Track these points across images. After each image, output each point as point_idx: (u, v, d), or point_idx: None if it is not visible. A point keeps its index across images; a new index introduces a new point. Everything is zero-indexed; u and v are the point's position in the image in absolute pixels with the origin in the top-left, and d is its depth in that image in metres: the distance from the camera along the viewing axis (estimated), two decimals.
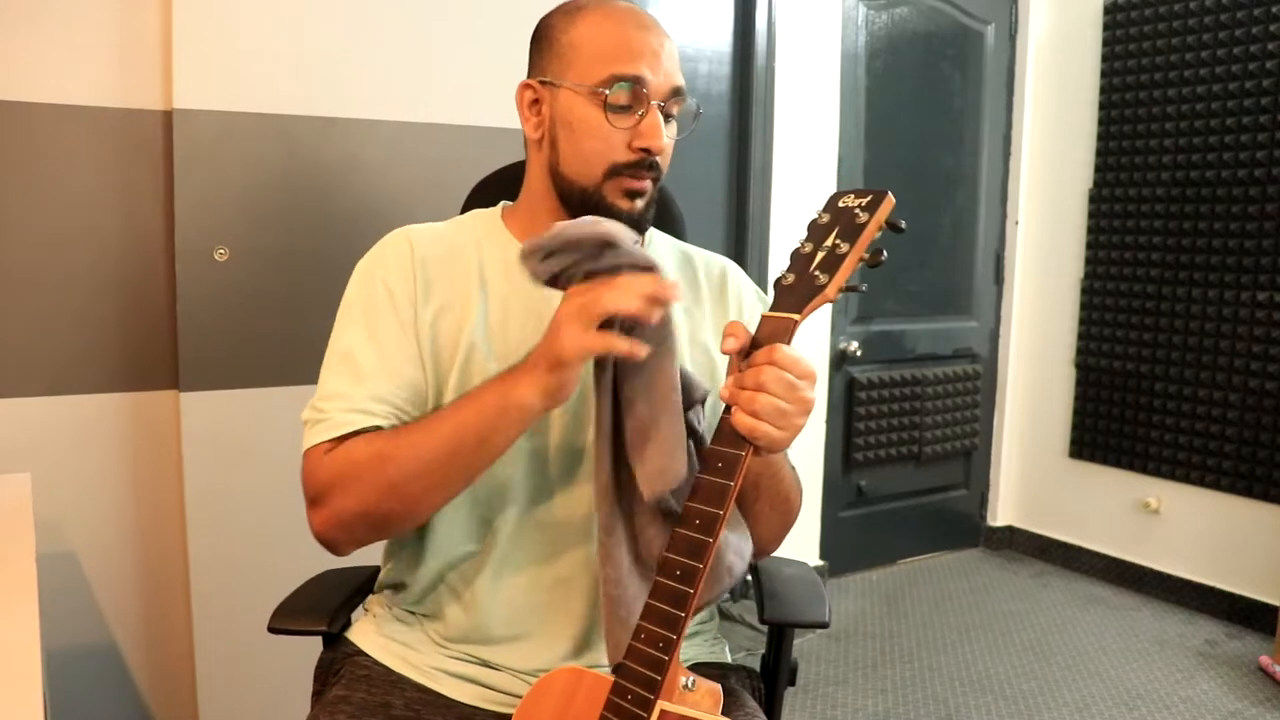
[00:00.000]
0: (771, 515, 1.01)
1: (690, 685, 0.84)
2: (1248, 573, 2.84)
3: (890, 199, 0.85)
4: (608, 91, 0.96)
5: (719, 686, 0.85)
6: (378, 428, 0.95)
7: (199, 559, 1.76)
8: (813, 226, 0.88)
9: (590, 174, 0.99)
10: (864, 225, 0.84)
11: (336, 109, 1.79)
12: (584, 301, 0.84)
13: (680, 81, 1.00)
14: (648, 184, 1.00)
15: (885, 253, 0.86)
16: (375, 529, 0.97)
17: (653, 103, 0.97)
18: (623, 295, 0.82)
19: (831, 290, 0.83)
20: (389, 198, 1.85)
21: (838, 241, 0.85)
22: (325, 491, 0.94)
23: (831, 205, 0.88)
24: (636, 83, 0.96)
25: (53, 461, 1.68)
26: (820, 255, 0.85)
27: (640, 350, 0.84)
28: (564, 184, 1.01)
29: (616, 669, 0.83)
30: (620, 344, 0.84)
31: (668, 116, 1.00)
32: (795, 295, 0.84)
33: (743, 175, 2.79)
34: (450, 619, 1.05)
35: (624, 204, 0.99)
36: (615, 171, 0.98)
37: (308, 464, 0.96)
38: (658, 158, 0.99)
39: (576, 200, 1.00)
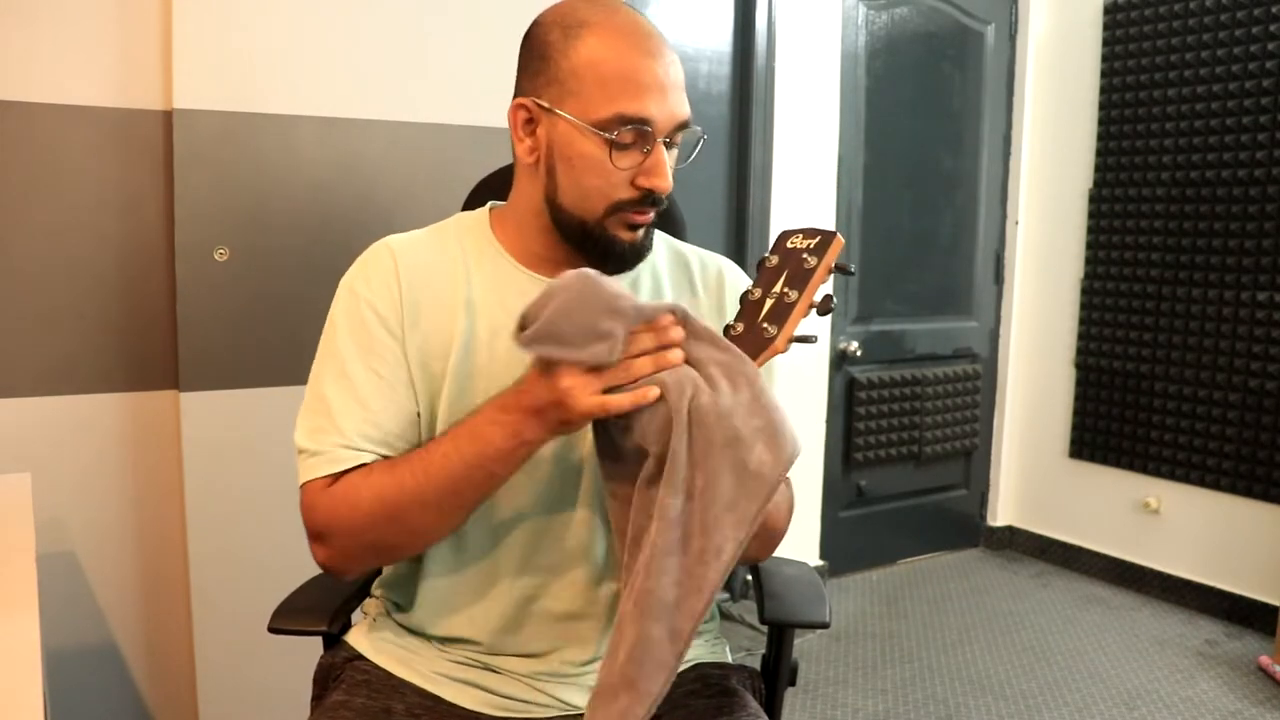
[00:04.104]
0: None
1: None
2: (1248, 573, 2.84)
3: (839, 241, 0.82)
4: (613, 135, 0.91)
5: None
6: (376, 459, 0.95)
7: (199, 559, 1.76)
8: (762, 269, 0.84)
9: (591, 209, 0.95)
10: (812, 271, 0.81)
11: (336, 109, 1.79)
12: (586, 381, 0.80)
13: (686, 113, 0.95)
14: (650, 216, 0.97)
15: (835, 300, 0.82)
16: (382, 559, 1.02)
17: (659, 140, 0.93)
18: (621, 396, 0.80)
19: (780, 343, 0.81)
20: (389, 198, 1.85)
21: (786, 289, 0.82)
22: (327, 530, 0.94)
23: (780, 246, 0.85)
24: (643, 123, 0.91)
25: (53, 461, 1.68)
26: (769, 304, 0.82)
27: (652, 392, 0.79)
28: (561, 214, 0.97)
29: None
30: (624, 401, 0.80)
31: (670, 145, 0.95)
32: (744, 347, 0.82)
33: (743, 175, 2.79)
34: (452, 631, 1.05)
35: (626, 235, 0.97)
36: (618, 208, 0.95)
37: (306, 499, 0.96)
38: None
39: (575, 232, 0.97)
